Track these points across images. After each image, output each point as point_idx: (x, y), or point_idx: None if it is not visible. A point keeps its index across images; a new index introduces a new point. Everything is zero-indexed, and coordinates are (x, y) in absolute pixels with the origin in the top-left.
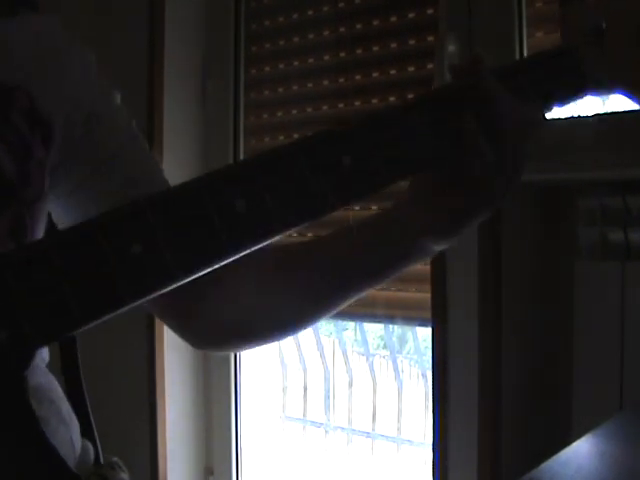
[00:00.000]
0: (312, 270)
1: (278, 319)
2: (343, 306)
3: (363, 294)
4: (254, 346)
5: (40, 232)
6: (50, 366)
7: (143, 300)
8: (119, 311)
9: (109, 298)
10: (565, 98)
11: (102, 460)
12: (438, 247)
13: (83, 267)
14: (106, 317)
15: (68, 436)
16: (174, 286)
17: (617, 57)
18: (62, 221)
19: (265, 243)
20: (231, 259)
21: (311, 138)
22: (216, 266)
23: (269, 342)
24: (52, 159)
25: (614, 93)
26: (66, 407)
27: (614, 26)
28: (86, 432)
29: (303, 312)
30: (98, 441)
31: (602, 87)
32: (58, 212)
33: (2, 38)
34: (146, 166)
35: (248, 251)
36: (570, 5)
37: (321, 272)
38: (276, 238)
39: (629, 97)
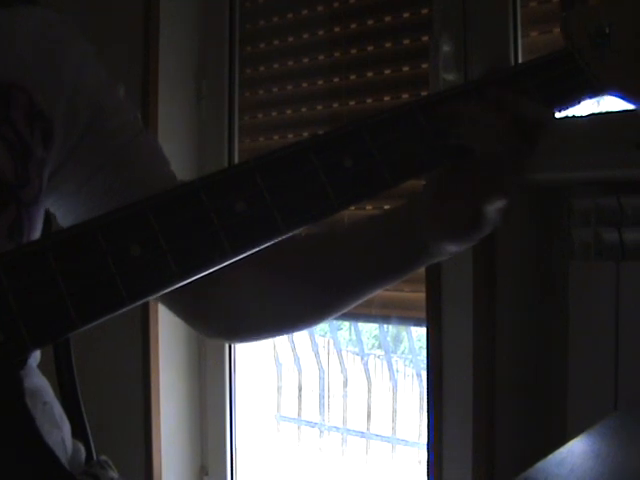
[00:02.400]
0: (311, 271)
1: (279, 319)
2: (347, 308)
3: (364, 298)
4: (263, 339)
5: (37, 234)
6: (42, 366)
7: (141, 302)
8: (117, 312)
9: (107, 299)
10: (567, 101)
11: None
12: (446, 253)
13: (80, 268)
14: (104, 319)
15: (60, 438)
16: (173, 288)
17: (621, 61)
18: (67, 221)
19: (266, 245)
20: (231, 261)
21: (308, 141)
22: (215, 268)
23: (276, 336)
24: (55, 158)
25: (615, 97)
26: (58, 408)
27: (618, 29)
28: (79, 432)
29: (302, 313)
30: (92, 441)
31: (604, 91)
32: (63, 212)
33: (1, 31)
34: (153, 161)
35: (249, 253)
36: (573, 8)
37: (322, 273)
38: (277, 240)
39: (630, 102)
